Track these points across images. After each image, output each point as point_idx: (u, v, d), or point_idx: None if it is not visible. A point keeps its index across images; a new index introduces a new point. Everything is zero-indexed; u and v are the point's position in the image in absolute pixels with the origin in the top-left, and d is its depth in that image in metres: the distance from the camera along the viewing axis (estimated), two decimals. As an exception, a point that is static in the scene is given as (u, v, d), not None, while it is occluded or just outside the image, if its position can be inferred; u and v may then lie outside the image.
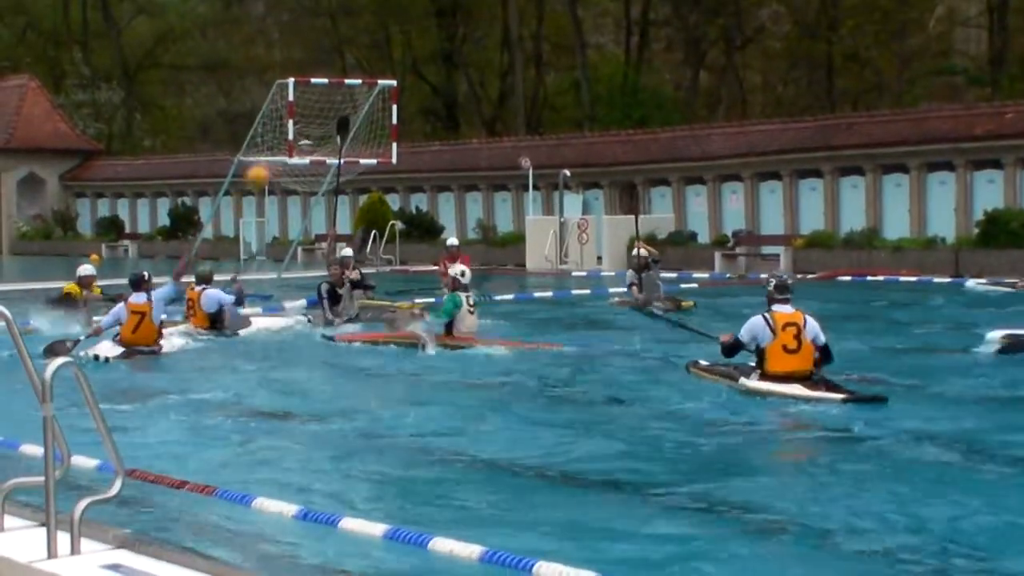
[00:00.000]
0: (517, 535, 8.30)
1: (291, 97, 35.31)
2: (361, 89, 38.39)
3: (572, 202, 42.81)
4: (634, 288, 24.58)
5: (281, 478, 10.15)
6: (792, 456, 11.57)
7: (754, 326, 13.86)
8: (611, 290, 27.50)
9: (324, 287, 22.23)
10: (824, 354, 13.90)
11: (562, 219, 40.30)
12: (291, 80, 36.00)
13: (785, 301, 13.90)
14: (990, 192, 35.54)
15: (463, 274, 19.02)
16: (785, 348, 13.65)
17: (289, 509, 8.69)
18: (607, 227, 39.97)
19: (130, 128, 74.75)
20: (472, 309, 18.88)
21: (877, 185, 38.15)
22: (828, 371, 13.92)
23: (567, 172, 41.15)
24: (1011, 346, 17.19)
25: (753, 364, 14.06)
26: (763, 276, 32.26)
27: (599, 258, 39.13)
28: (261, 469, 10.59)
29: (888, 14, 54.93)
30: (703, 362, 15.21)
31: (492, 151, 49.43)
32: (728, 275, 35.40)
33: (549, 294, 28.90)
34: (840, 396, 13.21)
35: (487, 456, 11.06)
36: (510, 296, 28.28)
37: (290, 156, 36.00)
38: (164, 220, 57.19)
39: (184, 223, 54.82)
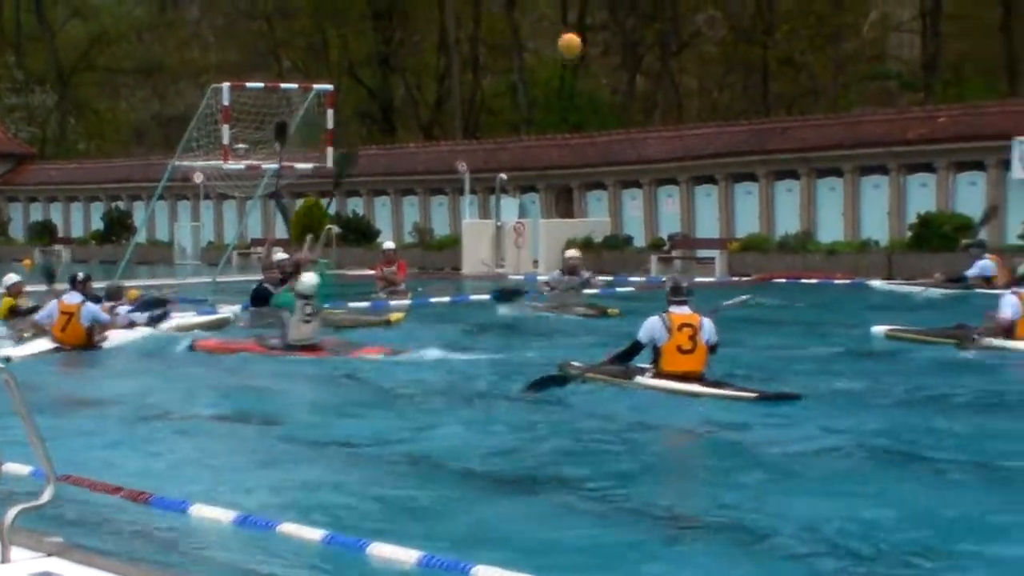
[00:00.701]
0: (453, 540, 8.27)
1: (226, 101, 35.06)
2: (297, 93, 38.22)
3: (509, 206, 42.81)
4: (546, 287, 24.48)
5: (214, 484, 10.08)
6: (699, 455, 11.71)
7: (652, 326, 14.14)
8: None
9: (268, 287, 22.38)
10: (710, 350, 14.24)
11: (499, 223, 40.29)
12: (226, 84, 35.76)
13: (681, 303, 14.25)
14: (923, 196, 35.83)
15: (300, 283, 18.63)
16: (680, 348, 13.96)
17: (227, 515, 8.63)
18: (543, 230, 39.99)
19: (64, 132, 74.12)
20: (308, 319, 18.44)
21: (811, 189, 38.39)
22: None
23: (504, 176, 41.16)
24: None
25: (644, 365, 14.30)
26: (697, 280, 32.45)
27: (535, 261, 39.11)
28: (196, 474, 10.52)
29: (823, 19, 55.34)
30: (576, 363, 15.28)
31: (428, 155, 49.39)
32: (664, 279, 35.38)
33: (486, 297, 28.83)
34: (753, 394, 13.40)
35: (411, 460, 11.03)
36: (446, 299, 28.23)
37: (225, 161, 35.76)
38: (98, 224, 56.73)
39: (118, 227, 54.39)
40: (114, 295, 21.09)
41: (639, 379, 14.18)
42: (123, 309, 20.93)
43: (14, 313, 21.47)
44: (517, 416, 13.22)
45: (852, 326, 20.76)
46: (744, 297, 17.38)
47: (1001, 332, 17.60)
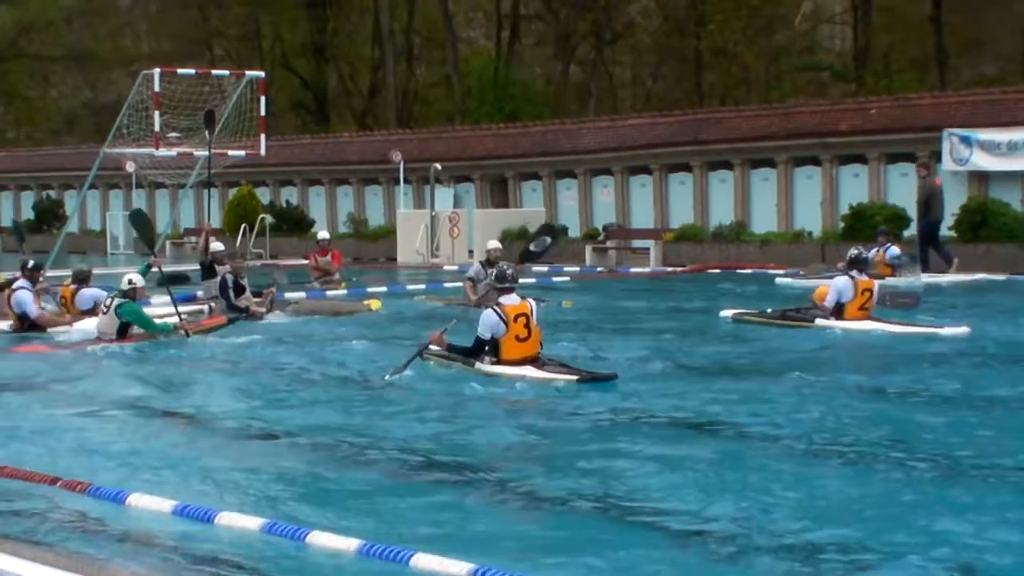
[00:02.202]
0: (380, 526, 8.30)
1: (157, 87, 34.80)
2: (229, 80, 37.97)
3: (443, 196, 42.78)
4: (468, 284, 24.35)
5: (152, 474, 9.99)
6: (556, 436, 11.69)
7: (490, 321, 14.50)
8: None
9: (229, 278, 22.44)
10: None
11: (433, 213, 40.26)
12: (157, 70, 35.48)
13: (509, 291, 14.70)
14: (855, 186, 36.11)
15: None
16: (517, 338, 14.47)
17: (165, 505, 8.58)
18: (478, 220, 39.99)
19: (-8, 120, 73.44)
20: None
21: (745, 179, 38.62)
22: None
23: (438, 166, 41.11)
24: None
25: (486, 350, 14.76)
26: (633, 270, 32.54)
27: (470, 251, 39.10)
28: (130, 465, 10.42)
29: (755, 10, 55.55)
30: (434, 347, 15.62)
31: (363, 145, 49.29)
32: (599, 269, 35.58)
33: (422, 287, 28.80)
34: (575, 376, 13.97)
35: (337, 448, 11.03)
36: (383, 289, 28.12)
37: (157, 148, 35.51)
38: (28, 213, 56.29)
39: (49, 216, 53.98)
40: (80, 278, 21.16)
41: (479, 366, 14.60)
42: (89, 292, 20.85)
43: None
44: (383, 400, 13.50)
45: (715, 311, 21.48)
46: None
47: (828, 314, 18.69)
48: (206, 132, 30.41)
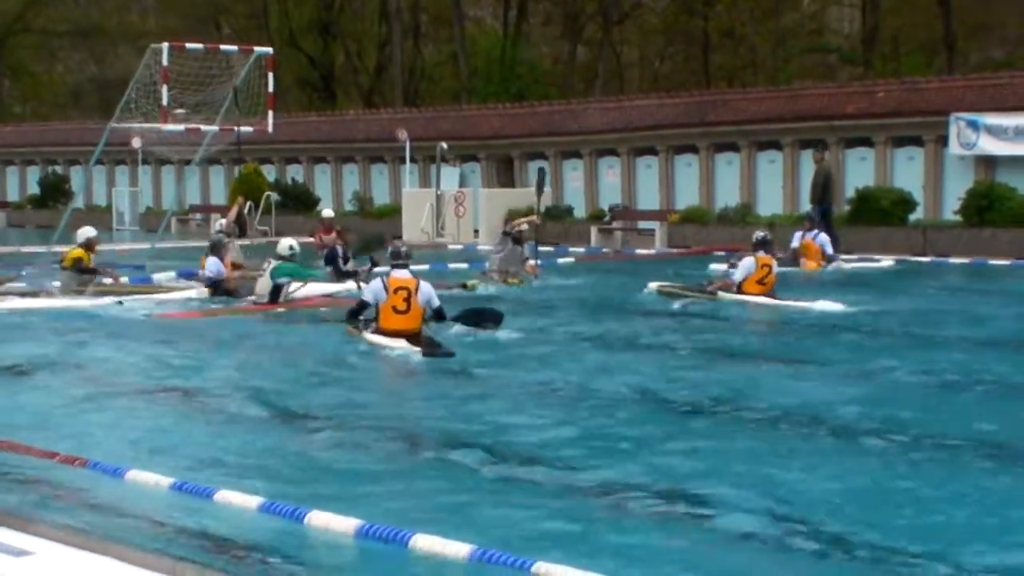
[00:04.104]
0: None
1: (165, 62, 34.77)
2: (237, 57, 37.96)
3: (449, 175, 42.70)
4: (497, 256, 24.49)
5: (154, 450, 9.99)
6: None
7: (374, 287, 15.59)
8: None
9: (339, 249, 24.07)
10: (438, 315, 15.80)
11: (439, 192, 40.19)
12: (165, 44, 35.44)
13: (401, 267, 15.74)
14: (861, 170, 36.02)
15: None
16: (394, 309, 15.36)
17: (163, 481, 8.57)
18: (484, 200, 39.92)
19: (-1, 94, 73.34)
20: None
21: (751, 161, 38.53)
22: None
23: (444, 145, 41.04)
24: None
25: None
26: (638, 251, 32.53)
27: (476, 231, 39.07)
28: (131, 441, 10.42)
29: (764, -9, 55.53)
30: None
31: (369, 122, 49.20)
32: (604, 249, 35.54)
33: (426, 267, 28.71)
34: (419, 350, 14.80)
35: (347, 429, 11.02)
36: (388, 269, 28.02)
37: (164, 123, 35.51)
38: (34, 189, 56.25)
39: (55, 192, 53.95)
40: (216, 249, 21.70)
41: (364, 335, 15.56)
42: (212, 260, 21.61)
43: (78, 266, 21.99)
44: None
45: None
46: None
47: (731, 288, 20.58)
48: (236, 108, 30.51)
